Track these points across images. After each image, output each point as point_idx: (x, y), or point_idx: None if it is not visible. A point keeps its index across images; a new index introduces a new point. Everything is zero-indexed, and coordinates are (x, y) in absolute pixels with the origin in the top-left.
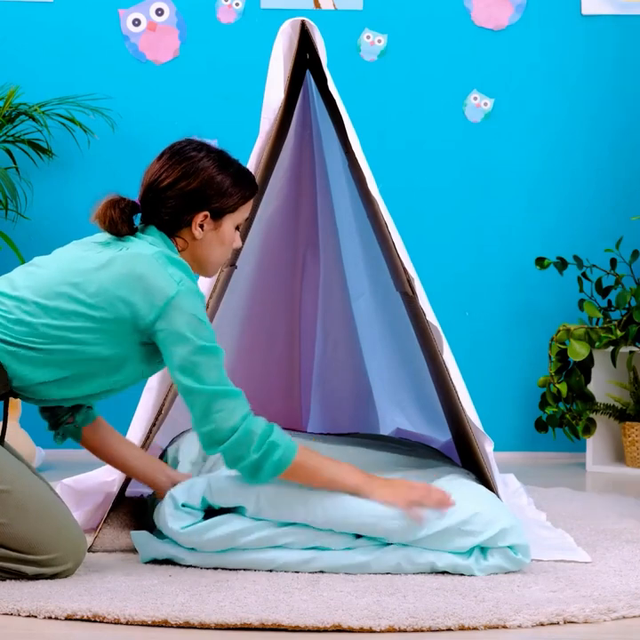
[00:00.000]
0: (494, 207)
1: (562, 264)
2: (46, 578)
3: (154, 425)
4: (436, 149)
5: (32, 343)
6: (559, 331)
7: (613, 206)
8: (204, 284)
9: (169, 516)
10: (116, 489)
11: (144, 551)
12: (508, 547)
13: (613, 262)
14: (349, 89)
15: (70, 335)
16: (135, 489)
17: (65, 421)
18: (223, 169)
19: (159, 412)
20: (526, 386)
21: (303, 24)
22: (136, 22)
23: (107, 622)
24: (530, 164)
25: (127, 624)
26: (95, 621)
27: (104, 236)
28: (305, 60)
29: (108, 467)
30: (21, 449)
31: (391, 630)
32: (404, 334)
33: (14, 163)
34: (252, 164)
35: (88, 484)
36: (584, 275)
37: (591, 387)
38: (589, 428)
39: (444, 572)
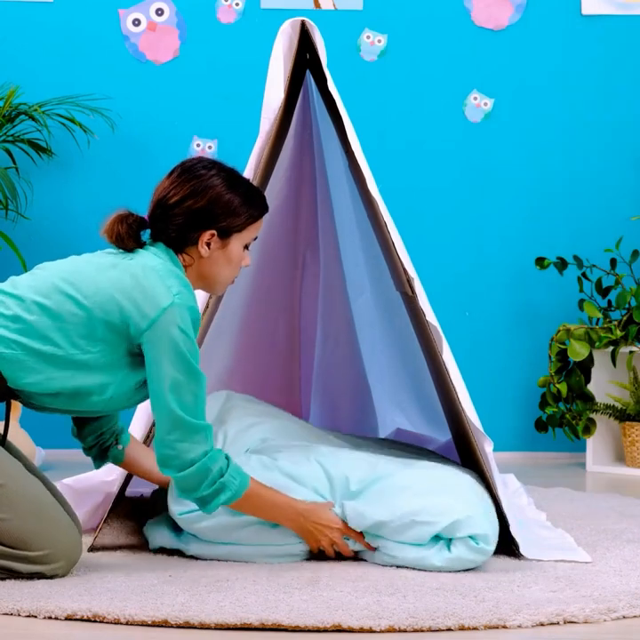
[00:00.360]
0: (494, 207)
1: (562, 264)
2: (42, 577)
3: (154, 424)
4: (435, 149)
5: (25, 342)
6: (559, 331)
7: (613, 206)
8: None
9: (172, 499)
10: (115, 489)
11: (153, 539)
12: (470, 537)
13: (613, 262)
14: (349, 89)
15: (62, 339)
16: (135, 489)
17: (110, 445)
18: (232, 188)
19: None
20: (526, 386)
21: (303, 24)
22: (136, 22)
23: (107, 622)
24: (530, 163)
25: (127, 624)
26: (95, 621)
27: (114, 249)
28: (305, 59)
29: (108, 466)
30: (21, 449)
31: (391, 630)
32: (405, 334)
33: (14, 163)
34: (252, 164)
35: (88, 483)
36: (584, 275)
37: (591, 387)
38: (589, 427)
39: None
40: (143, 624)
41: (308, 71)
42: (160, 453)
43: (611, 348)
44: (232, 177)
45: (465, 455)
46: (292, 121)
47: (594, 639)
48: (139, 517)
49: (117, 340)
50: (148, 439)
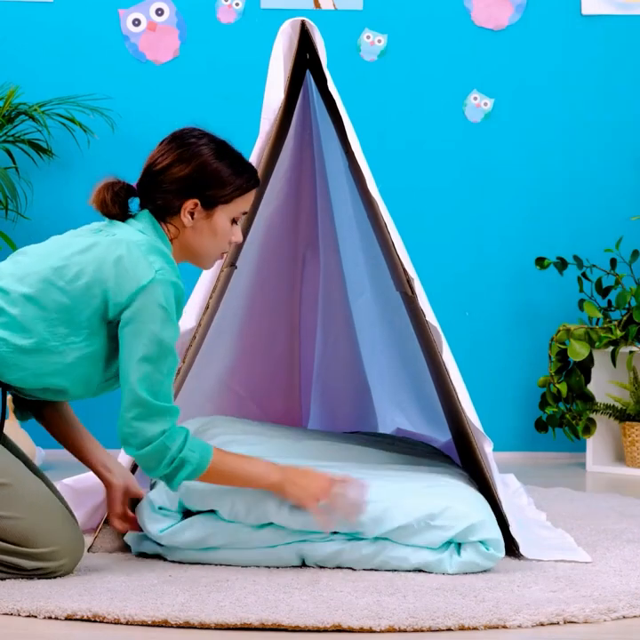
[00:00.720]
0: (494, 207)
1: (562, 264)
2: (45, 574)
3: None
4: (435, 149)
5: (7, 337)
6: (559, 331)
7: (613, 206)
8: (204, 284)
9: (147, 518)
10: None
11: (134, 547)
12: (480, 542)
13: (613, 262)
14: (349, 89)
15: (46, 330)
16: None
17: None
18: (220, 158)
19: None
20: (526, 386)
21: (303, 24)
22: (136, 22)
23: (107, 622)
24: (530, 163)
25: (127, 624)
26: (95, 621)
27: (98, 223)
28: (305, 60)
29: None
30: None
31: (391, 630)
32: (405, 334)
33: (14, 163)
34: (252, 164)
35: (88, 483)
36: (584, 275)
37: (591, 387)
38: (589, 427)
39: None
40: (143, 624)
41: (308, 71)
42: (120, 431)
43: (611, 347)
44: (222, 147)
45: (465, 455)
46: (292, 121)
47: (594, 639)
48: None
49: (99, 325)
50: None
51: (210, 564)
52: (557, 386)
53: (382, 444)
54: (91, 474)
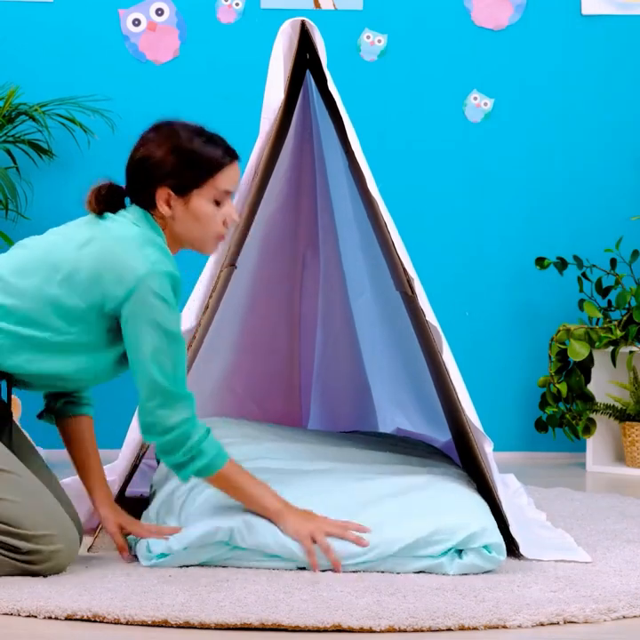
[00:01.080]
0: (494, 207)
1: (562, 264)
2: (40, 560)
3: None
4: (435, 149)
5: (3, 325)
6: (559, 331)
7: (613, 206)
8: (204, 284)
9: (142, 550)
10: (116, 489)
11: (134, 547)
12: (483, 546)
13: (613, 262)
14: (349, 89)
15: (41, 321)
16: (135, 489)
17: (75, 402)
18: (187, 142)
19: None
20: (526, 386)
21: (303, 24)
22: (136, 22)
23: (107, 622)
24: (530, 163)
25: (127, 624)
26: (95, 621)
27: (93, 217)
28: (305, 60)
29: (108, 466)
30: None
31: (391, 630)
32: (405, 334)
33: (14, 163)
34: (252, 164)
35: None
36: (584, 275)
37: (591, 387)
38: (589, 427)
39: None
40: (143, 624)
41: (308, 71)
42: (143, 422)
43: (611, 347)
44: (191, 131)
45: (465, 455)
46: (292, 121)
47: (594, 639)
48: (138, 518)
49: (96, 318)
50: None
51: (210, 565)
52: (557, 386)
53: (382, 444)
54: None
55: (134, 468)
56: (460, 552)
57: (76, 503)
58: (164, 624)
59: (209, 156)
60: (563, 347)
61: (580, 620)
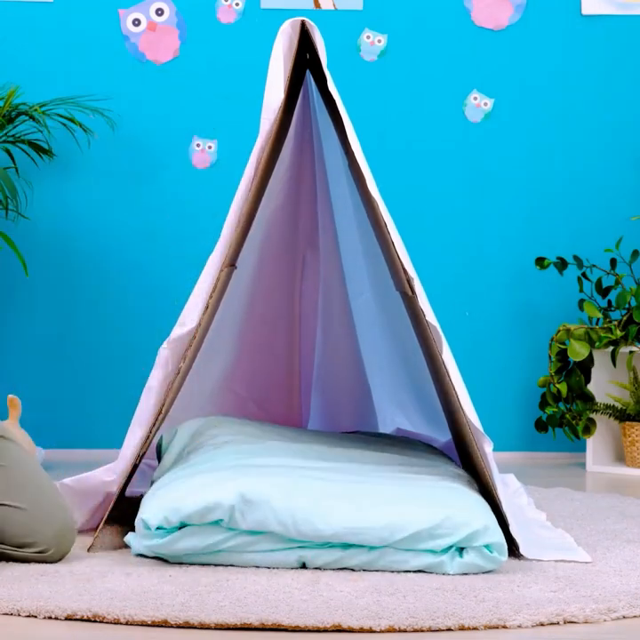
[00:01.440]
0: (494, 207)
1: (562, 264)
2: (39, 560)
3: (154, 425)
4: (435, 149)
5: None
6: (559, 331)
7: (613, 206)
8: (204, 284)
9: (143, 537)
10: (116, 489)
11: (133, 548)
12: (484, 545)
13: (613, 262)
14: (349, 89)
15: None
16: (135, 489)
17: None
18: None
19: (159, 413)
20: (526, 386)
21: (303, 24)
22: (136, 22)
23: (107, 622)
24: (530, 163)
25: (127, 624)
26: (95, 621)
27: None
28: (305, 60)
29: (108, 466)
30: (22, 448)
31: (391, 630)
32: (405, 334)
33: (14, 163)
34: (252, 163)
35: (88, 483)
36: (584, 275)
37: (591, 387)
38: (589, 427)
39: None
40: (143, 624)
41: (308, 71)
42: None
43: (611, 348)
44: None
45: (465, 455)
46: (292, 121)
47: (594, 639)
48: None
49: None
50: (147, 441)
51: (210, 565)
52: (557, 386)
53: (382, 444)
54: (91, 474)
55: (134, 467)
56: (460, 551)
57: (76, 504)
58: (163, 624)
59: None
60: (563, 347)
61: (580, 620)
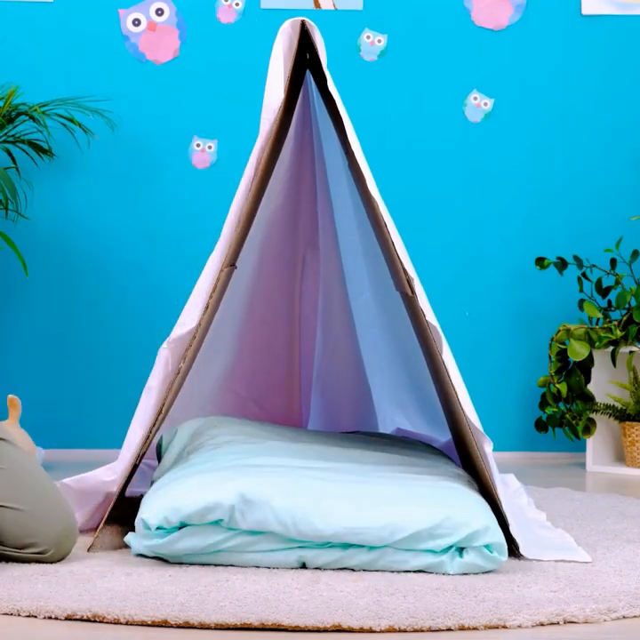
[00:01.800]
0: (494, 207)
1: (562, 264)
2: (40, 560)
3: (154, 425)
4: (435, 149)
5: None
6: (559, 331)
7: (613, 206)
8: (204, 284)
9: (143, 537)
10: (116, 489)
11: (133, 548)
12: (485, 545)
13: (613, 262)
14: (349, 89)
15: None
16: (135, 489)
17: None
18: None
19: (159, 413)
20: (526, 386)
21: (303, 24)
22: (136, 22)
23: (107, 622)
24: (530, 163)
25: (127, 624)
26: (95, 621)
27: None
28: (305, 60)
29: (108, 466)
30: (22, 448)
31: (391, 630)
32: (405, 334)
33: (14, 163)
34: (252, 163)
35: (88, 483)
36: (584, 275)
37: (591, 387)
38: (589, 427)
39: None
40: (143, 624)
41: (308, 71)
42: None
43: (611, 347)
44: None
45: (465, 455)
46: (292, 121)
47: (594, 639)
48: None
49: None
50: (147, 441)
51: (210, 565)
52: (557, 386)
53: (382, 444)
54: (91, 474)
55: (134, 467)
56: (460, 551)
57: (76, 504)
58: (163, 624)
59: None
60: (563, 347)
61: (580, 620)
